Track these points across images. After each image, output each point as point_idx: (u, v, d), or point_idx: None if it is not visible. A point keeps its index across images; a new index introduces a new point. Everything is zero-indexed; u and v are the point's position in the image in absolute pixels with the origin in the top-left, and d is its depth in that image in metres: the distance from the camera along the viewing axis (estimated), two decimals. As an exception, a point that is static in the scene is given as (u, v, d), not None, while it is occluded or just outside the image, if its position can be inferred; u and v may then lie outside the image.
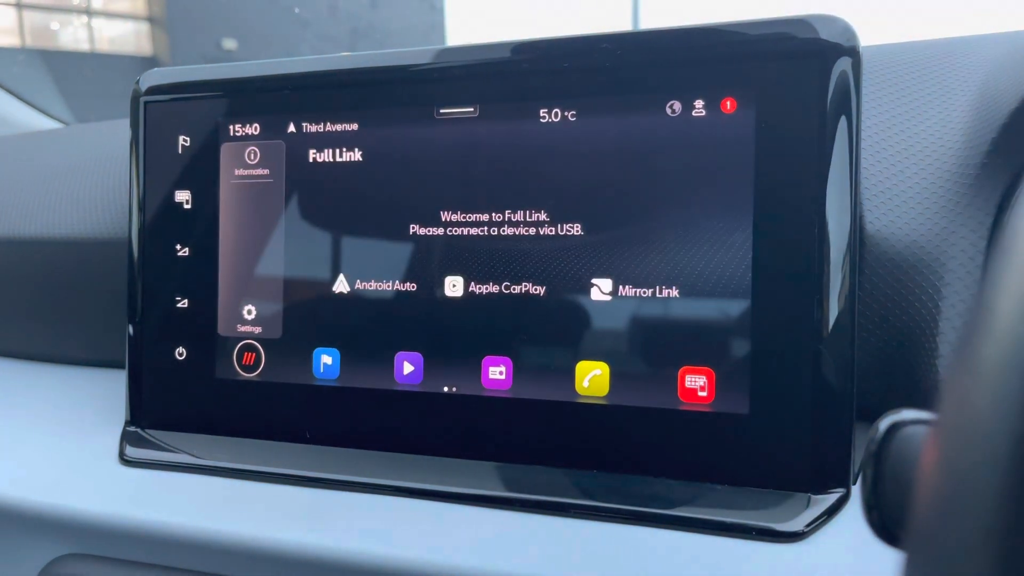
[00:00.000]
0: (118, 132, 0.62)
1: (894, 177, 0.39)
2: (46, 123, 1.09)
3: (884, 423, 0.21)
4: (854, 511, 0.34)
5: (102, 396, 0.51)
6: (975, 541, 0.14)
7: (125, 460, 0.45)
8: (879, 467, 0.21)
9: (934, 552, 0.15)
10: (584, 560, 0.34)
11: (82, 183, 0.57)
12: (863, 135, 0.40)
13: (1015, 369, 0.14)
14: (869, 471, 0.21)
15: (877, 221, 0.38)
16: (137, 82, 0.47)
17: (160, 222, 0.46)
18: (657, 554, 0.34)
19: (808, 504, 0.34)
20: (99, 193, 0.56)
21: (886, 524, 0.21)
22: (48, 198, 0.57)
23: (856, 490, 0.34)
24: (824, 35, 0.35)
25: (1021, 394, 0.14)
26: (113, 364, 0.55)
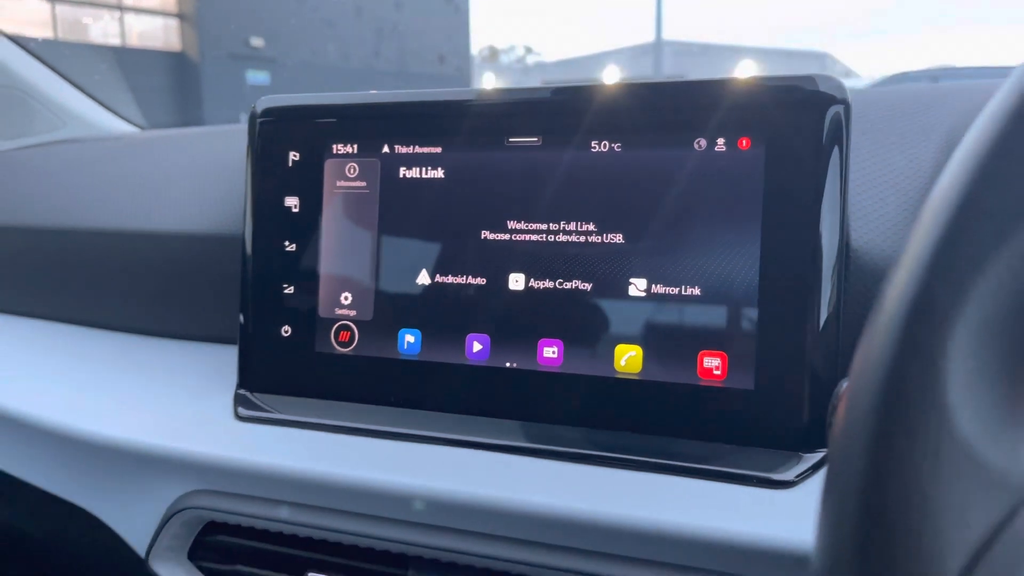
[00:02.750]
0: (228, 139, 0.72)
1: (876, 201, 0.48)
2: (121, 126, 1.18)
3: (843, 383, 0.31)
4: None
5: (215, 366, 0.61)
6: (855, 449, 0.23)
7: (239, 416, 0.55)
8: (834, 411, 0.30)
9: (838, 456, 0.24)
10: (617, 500, 0.44)
11: (198, 184, 0.67)
12: (851, 166, 0.49)
13: (880, 349, 0.22)
14: (830, 413, 0.31)
15: (861, 237, 0.47)
16: (254, 106, 0.57)
17: (271, 222, 0.56)
18: (677, 496, 0.44)
19: (799, 461, 0.44)
20: (214, 194, 0.66)
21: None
22: (169, 195, 0.68)
23: (837, 451, 0.44)
24: (822, 88, 0.44)
25: (881, 369, 0.22)
26: (223, 340, 0.65)
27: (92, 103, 1.16)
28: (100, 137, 1.01)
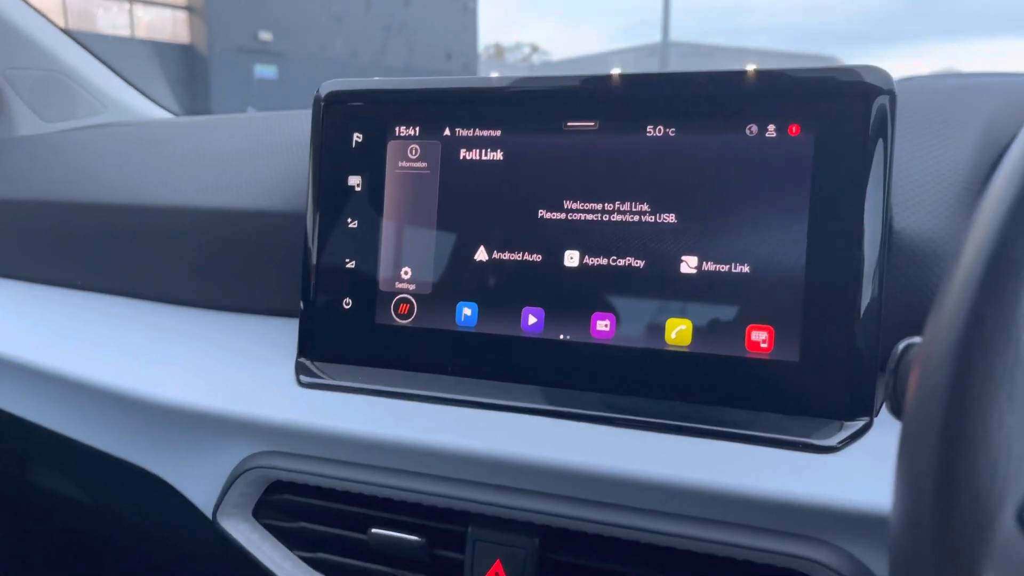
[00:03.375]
0: (284, 122, 0.75)
1: (917, 187, 0.51)
2: (158, 112, 1.21)
3: (901, 344, 0.34)
4: (875, 434, 0.46)
5: (276, 338, 0.64)
6: (934, 399, 0.25)
7: (301, 383, 0.58)
8: (896, 371, 0.33)
9: (914, 418, 0.27)
10: (669, 463, 0.47)
11: (258, 164, 0.70)
12: (895, 153, 0.52)
13: (959, 311, 0.25)
14: (890, 374, 0.33)
15: (902, 220, 0.50)
16: (318, 90, 0.60)
17: (334, 200, 0.59)
18: (728, 460, 0.46)
19: (841, 428, 0.47)
20: (275, 173, 0.69)
21: (898, 405, 0.33)
22: (230, 176, 0.70)
23: (877, 420, 0.46)
24: (868, 80, 0.47)
25: (959, 331, 0.25)
26: (283, 313, 0.68)
27: (131, 89, 1.19)
28: (143, 121, 1.04)
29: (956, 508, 0.23)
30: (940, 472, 0.24)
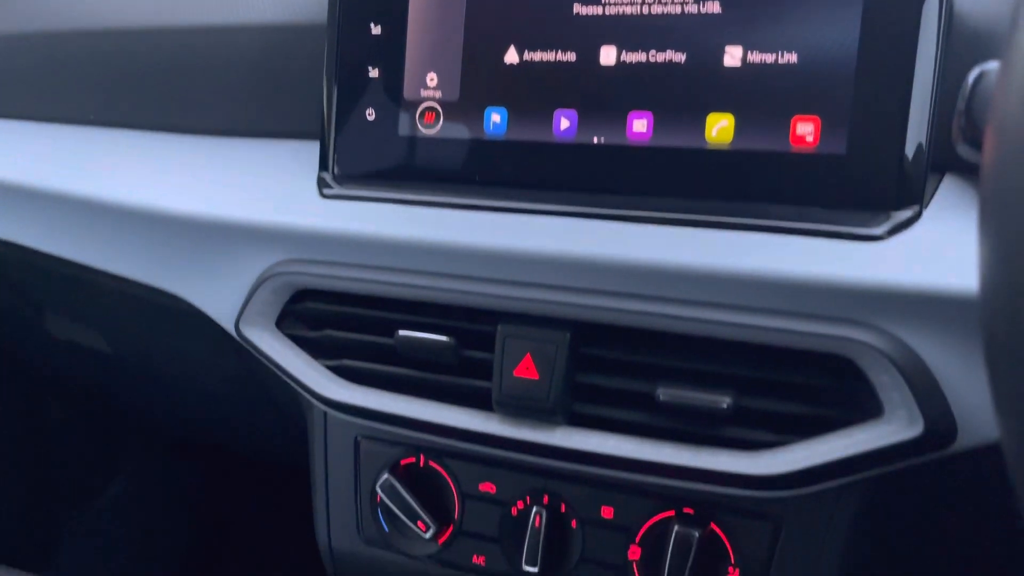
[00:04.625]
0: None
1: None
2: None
3: (973, 73, 0.31)
4: (923, 225, 0.44)
5: (298, 157, 0.62)
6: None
7: (323, 195, 0.56)
8: (970, 101, 0.31)
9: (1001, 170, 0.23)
10: (707, 253, 0.46)
11: None
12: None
13: None
14: (962, 102, 0.31)
15: (962, 1, 0.47)
16: None
17: (355, 5, 0.56)
18: (770, 249, 0.45)
19: (889, 217, 0.45)
20: None
21: (974, 138, 0.31)
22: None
23: (926, 211, 0.45)
24: None
25: None
26: (304, 135, 0.65)
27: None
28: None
29: None
30: None
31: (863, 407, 0.47)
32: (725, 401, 0.48)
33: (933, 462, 0.46)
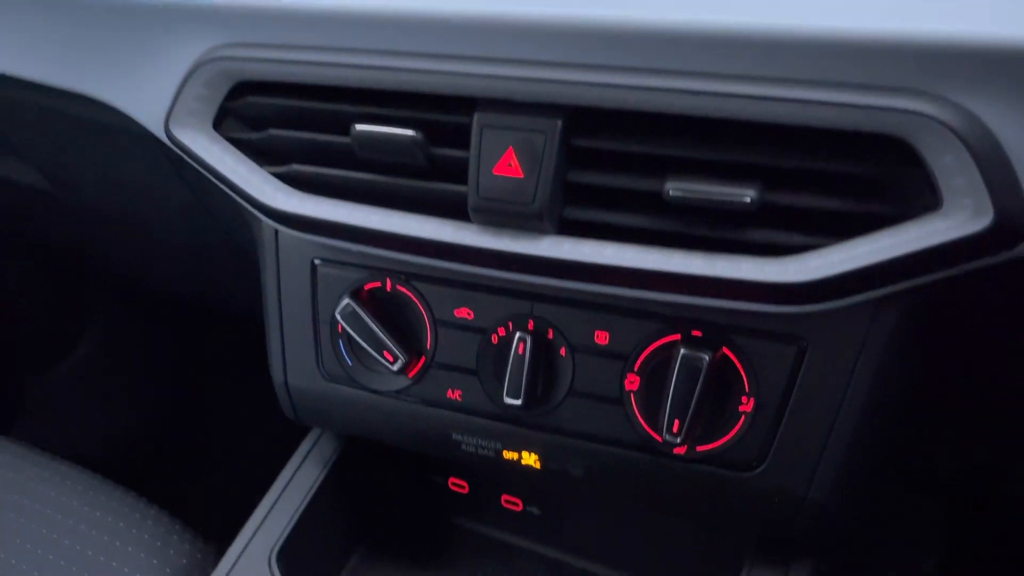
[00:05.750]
0: None
1: None
2: None
3: None
4: None
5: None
6: None
7: None
8: None
9: None
10: (741, 9, 0.36)
11: None
12: None
13: None
14: None
15: None
16: None
17: None
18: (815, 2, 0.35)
19: None
20: None
21: None
22: None
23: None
24: None
25: None
26: None
27: None
28: None
29: None
30: None
31: (916, 200, 0.38)
32: (749, 194, 0.39)
33: (1000, 265, 0.38)
